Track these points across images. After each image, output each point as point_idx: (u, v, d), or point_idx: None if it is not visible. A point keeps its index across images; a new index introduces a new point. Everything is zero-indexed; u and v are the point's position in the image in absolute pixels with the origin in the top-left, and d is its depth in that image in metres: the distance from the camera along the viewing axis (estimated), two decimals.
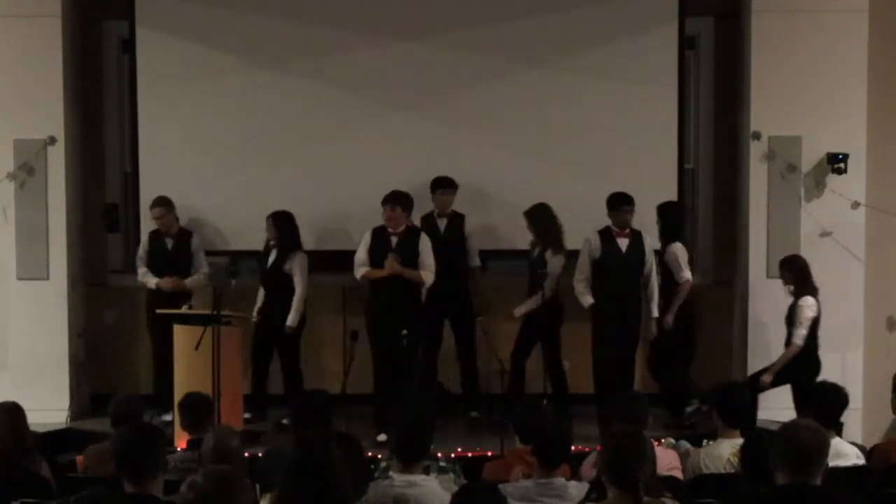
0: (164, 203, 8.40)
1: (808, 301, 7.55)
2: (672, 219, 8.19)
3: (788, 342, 7.60)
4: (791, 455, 3.89)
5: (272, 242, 8.27)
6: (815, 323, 7.60)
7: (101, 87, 9.16)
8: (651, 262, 7.93)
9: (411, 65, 8.73)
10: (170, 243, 8.48)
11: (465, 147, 8.72)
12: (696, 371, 8.32)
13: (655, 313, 7.93)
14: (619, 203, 7.82)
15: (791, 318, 7.60)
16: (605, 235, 7.89)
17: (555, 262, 8.04)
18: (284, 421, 7.86)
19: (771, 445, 4.02)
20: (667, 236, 8.17)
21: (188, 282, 8.44)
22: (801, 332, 7.51)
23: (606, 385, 7.64)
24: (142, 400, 6.11)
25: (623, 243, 7.87)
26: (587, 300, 7.87)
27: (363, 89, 8.76)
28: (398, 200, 7.81)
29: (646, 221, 8.11)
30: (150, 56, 8.77)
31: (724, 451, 5.29)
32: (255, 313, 8.25)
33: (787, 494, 3.89)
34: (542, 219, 8.21)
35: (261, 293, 8.32)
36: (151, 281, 8.41)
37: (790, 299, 7.64)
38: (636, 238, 7.90)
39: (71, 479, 5.40)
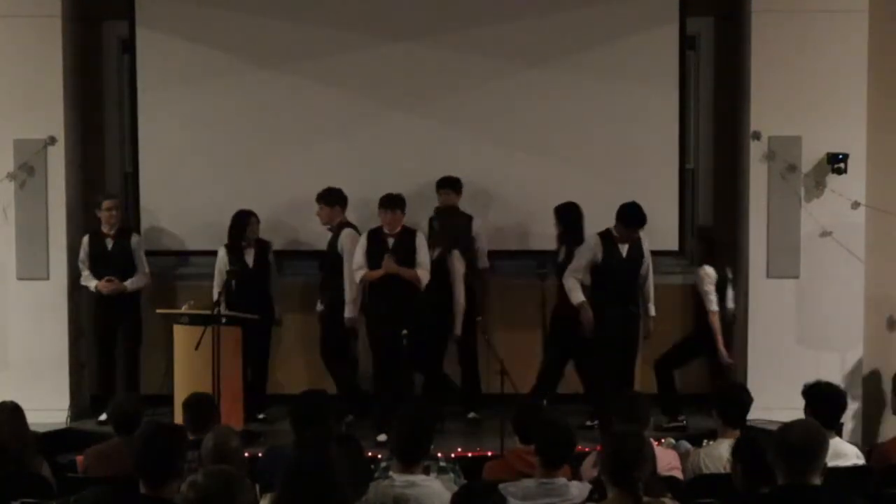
0: (116, 198, 8.51)
1: (705, 269, 8.02)
2: (571, 221, 8.13)
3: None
4: (789, 455, 3.88)
5: (247, 242, 8.30)
6: (719, 290, 8.02)
7: (101, 87, 9.15)
8: (648, 262, 7.95)
9: (411, 65, 8.74)
10: (109, 244, 8.40)
11: (465, 147, 8.73)
12: (696, 371, 8.31)
13: (652, 312, 7.99)
14: (634, 223, 7.80)
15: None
16: (607, 240, 7.87)
17: (458, 266, 8.05)
18: (261, 416, 8.27)
19: (769, 445, 4.02)
20: (567, 239, 8.14)
21: (128, 283, 8.34)
22: (711, 298, 7.95)
23: (606, 385, 7.64)
24: (142, 400, 6.12)
25: (624, 248, 7.88)
26: (577, 297, 7.80)
27: (363, 89, 8.76)
28: (397, 203, 7.82)
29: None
30: (150, 56, 8.78)
31: (724, 451, 5.28)
32: (220, 310, 7.78)
33: (787, 495, 3.89)
34: (447, 222, 8.19)
35: (216, 291, 8.09)
36: (91, 283, 8.36)
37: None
38: (636, 241, 7.91)
39: (71, 479, 5.40)
